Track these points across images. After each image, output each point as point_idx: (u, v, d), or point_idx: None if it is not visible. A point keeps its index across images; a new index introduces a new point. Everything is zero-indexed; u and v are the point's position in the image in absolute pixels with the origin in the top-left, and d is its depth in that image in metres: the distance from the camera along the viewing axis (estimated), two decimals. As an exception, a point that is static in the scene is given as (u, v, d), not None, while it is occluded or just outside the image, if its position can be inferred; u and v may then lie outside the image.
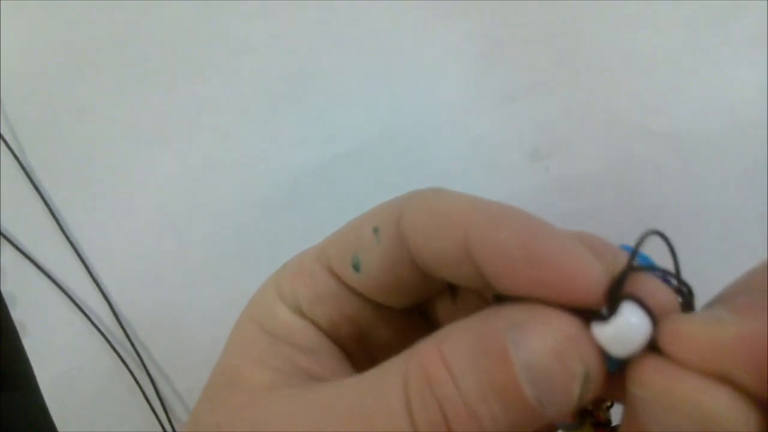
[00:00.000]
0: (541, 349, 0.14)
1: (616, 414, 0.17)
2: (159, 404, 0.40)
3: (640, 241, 0.15)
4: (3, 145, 0.39)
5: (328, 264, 0.20)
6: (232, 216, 0.39)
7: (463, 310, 0.20)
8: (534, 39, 0.37)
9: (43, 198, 0.39)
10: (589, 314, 0.15)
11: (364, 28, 0.37)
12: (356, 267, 0.19)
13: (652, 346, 0.14)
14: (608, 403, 0.19)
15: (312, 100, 0.38)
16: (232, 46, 0.38)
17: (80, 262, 0.39)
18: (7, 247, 0.39)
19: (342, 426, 0.15)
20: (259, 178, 0.38)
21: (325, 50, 0.38)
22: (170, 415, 0.40)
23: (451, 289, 0.21)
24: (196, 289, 0.39)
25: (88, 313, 0.39)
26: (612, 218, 0.36)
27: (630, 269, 0.15)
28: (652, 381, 0.14)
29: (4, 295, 0.39)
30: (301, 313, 0.20)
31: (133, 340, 0.39)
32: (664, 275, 0.16)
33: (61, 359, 0.40)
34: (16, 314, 0.39)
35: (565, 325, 0.14)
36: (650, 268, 0.15)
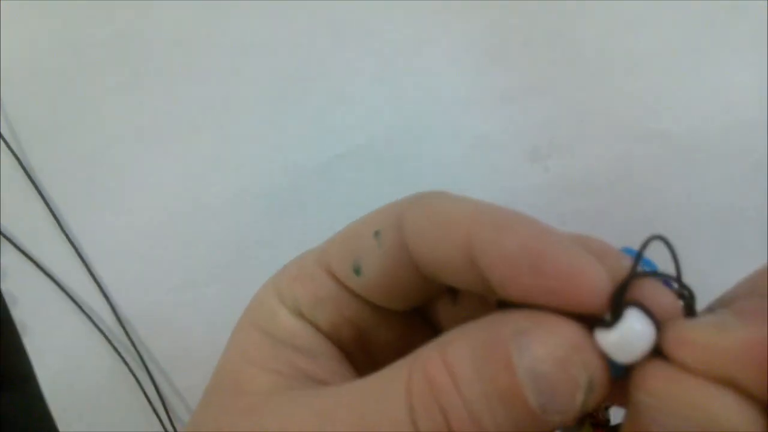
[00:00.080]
0: (545, 356, 0.14)
1: (616, 414, 0.17)
2: (159, 403, 0.40)
3: (644, 247, 0.15)
4: (3, 144, 0.39)
5: (329, 267, 0.20)
6: (232, 215, 0.39)
7: (464, 312, 0.20)
8: (534, 39, 0.37)
9: (43, 198, 0.39)
10: (591, 320, 0.15)
11: (365, 28, 0.37)
12: (357, 271, 0.19)
13: (656, 351, 0.14)
14: (607, 403, 0.19)
15: (312, 101, 0.38)
16: (232, 47, 0.38)
17: (81, 262, 0.39)
18: (7, 247, 0.39)
19: None
20: (260, 178, 0.38)
21: (325, 51, 0.38)
22: (171, 414, 0.40)
23: (452, 291, 0.21)
24: (197, 288, 0.39)
25: (88, 312, 0.39)
26: (612, 218, 0.37)
27: (633, 276, 0.15)
28: (659, 387, 0.14)
29: (5, 295, 0.39)
30: (302, 316, 0.20)
31: (134, 339, 0.39)
32: (665, 278, 0.16)
33: (61, 358, 0.40)
34: (17, 314, 0.39)
35: (570, 332, 0.14)
36: (653, 273, 0.15)
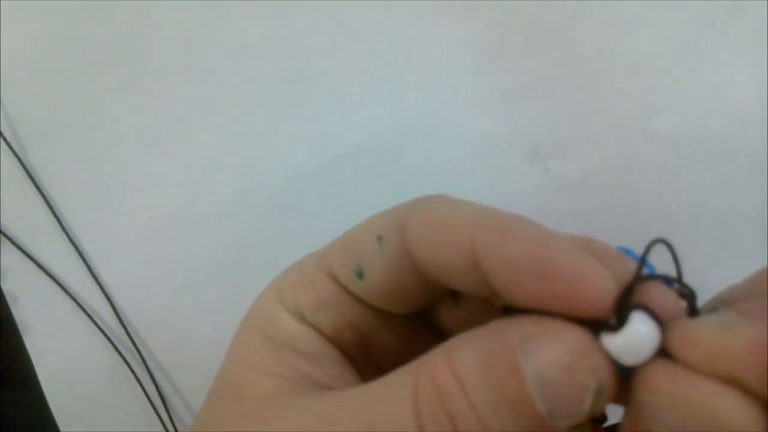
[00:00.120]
0: (552, 362, 0.14)
1: (612, 411, 0.17)
2: (161, 403, 0.40)
3: (647, 250, 0.15)
4: (4, 144, 0.39)
5: (330, 271, 0.20)
6: (232, 216, 0.39)
7: (466, 315, 0.20)
8: (534, 39, 0.37)
9: (44, 197, 0.39)
10: (596, 324, 0.15)
11: (364, 28, 0.37)
12: (359, 275, 0.19)
13: (660, 351, 0.14)
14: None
15: (312, 101, 0.38)
16: (232, 47, 0.38)
17: (82, 261, 0.39)
18: (8, 247, 0.39)
19: None
20: (260, 178, 0.38)
21: (325, 51, 0.38)
22: (172, 414, 0.40)
23: (454, 294, 0.21)
24: (198, 288, 0.39)
25: (89, 312, 0.39)
26: (611, 218, 0.37)
27: (638, 280, 0.15)
28: (663, 385, 0.14)
29: (6, 295, 0.39)
30: (304, 320, 0.20)
31: (135, 339, 0.39)
32: (667, 280, 0.16)
33: (62, 358, 0.40)
34: (18, 313, 0.39)
35: (576, 337, 0.14)
36: (655, 276, 0.15)
